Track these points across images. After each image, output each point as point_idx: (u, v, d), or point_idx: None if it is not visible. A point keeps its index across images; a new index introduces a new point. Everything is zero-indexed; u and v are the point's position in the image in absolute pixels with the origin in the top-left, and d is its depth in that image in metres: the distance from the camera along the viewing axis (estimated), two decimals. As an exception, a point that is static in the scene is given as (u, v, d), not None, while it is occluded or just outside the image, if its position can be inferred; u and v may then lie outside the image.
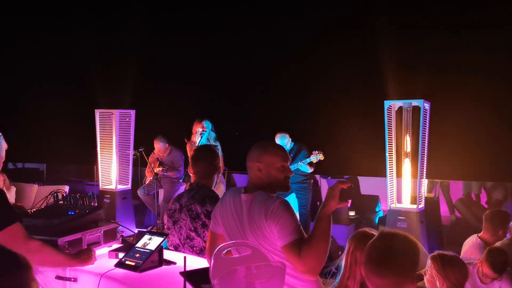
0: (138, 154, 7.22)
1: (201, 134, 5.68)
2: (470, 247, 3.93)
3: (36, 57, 8.37)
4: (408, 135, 5.54)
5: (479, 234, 4.01)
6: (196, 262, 2.54)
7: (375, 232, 2.10)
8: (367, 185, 7.80)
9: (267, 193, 2.16)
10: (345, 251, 2.41)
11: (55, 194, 2.89)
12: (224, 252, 1.94)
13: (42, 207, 2.86)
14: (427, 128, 5.47)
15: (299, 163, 6.06)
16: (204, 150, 3.29)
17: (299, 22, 7.07)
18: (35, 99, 8.36)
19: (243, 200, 2.20)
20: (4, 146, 2.34)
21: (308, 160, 5.99)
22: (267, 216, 2.05)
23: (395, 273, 1.60)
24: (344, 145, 6.52)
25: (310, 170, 6.14)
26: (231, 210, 2.24)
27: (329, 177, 7.54)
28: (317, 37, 6.86)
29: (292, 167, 6.04)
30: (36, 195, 7.29)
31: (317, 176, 7.54)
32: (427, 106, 5.47)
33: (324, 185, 7.61)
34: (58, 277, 2.45)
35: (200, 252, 2.84)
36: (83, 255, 2.45)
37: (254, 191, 2.19)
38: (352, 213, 7.20)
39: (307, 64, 7.00)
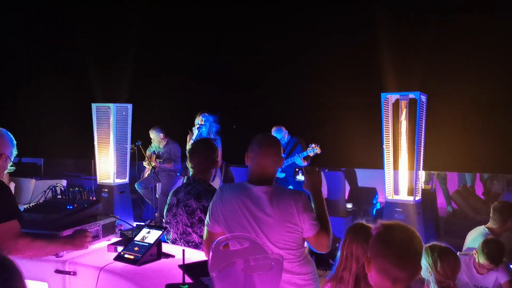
0: (136, 148, 7.23)
1: (199, 127, 5.67)
2: (477, 238, 3.95)
3: (33, 52, 8.36)
4: (404, 127, 5.55)
5: (487, 225, 4.03)
6: (195, 255, 2.55)
7: (372, 225, 2.13)
8: (364, 177, 7.84)
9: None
10: (341, 243, 2.43)
11: (53, 188, 2.90)
12: (222, 245, 1.95)
13: (41, 201, 2.86)
14: (423, 120, 5.49)
15: (295, 156, 6.06)
16: (201, 144, 3.29)
17: (296, 15, 7.06)
18: (33, 93, 8.35)
19: (261, 192, 2.25)
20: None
21: (305, 153, 5.99)
22: (299, 210, 2.23)
23: (415, 264, 1.60)
24: (341, 137, 6.54)
25: (304, 163, 6.13)
26: (239, 205, 2.26)
27: (326, 170, 7.56)
28: (314, 29, 6.86)
29: (288, 161, 6.05)
30: (34, 189, 7.30)
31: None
32: (423, 98, 5.48)
33: (322, 177, 7.62)
34: (58, 271, 2.46)
35: (195, 247, 2.85)
36: (78, 237, 2.47)
37: (266, 184, 2.28)
38: (349, 205, 7.24)
39: (304, 57, 7.00)
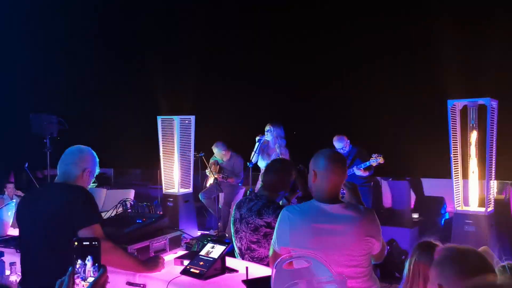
0: (199, 158, 7.42)
1: (259, 139, 5.72)
2: None
3: (104, 70, 8.86)
4: (474, 135, 5.30)
5: None
6: (258, 270, 2.59)
7: (439, 243, 2.07)
8: (431, 186, 7.54)
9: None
10: (408, 260, 2.37)
11: (123, 203, 3.05)
12: (285, 263, 1.97)
13: (112, 215, 3.02)
14: (494, 127, 5.21)
15: (355, 167, 5.96)
16: (278, 164, 3.22)
17: (359, 23, 6.98)
18: (104, 109, 8.85)
19: (335, 211, 2.26)
20: None
21: (367, 163, 5.87)
22: (372, 227, 2.28)
23: None
24: (405, 146, 6.36)
25: (365, 174, 6.00)
26: (309, 226, 2.25)
27: (391, 179, 7.36)
28: (378, 35, 6.74)
29: (348, 172, 5.95)
30: (105, 198, 7.70)
31: (378, 178, 7.39)
32: (494, 104, 5.21)
33: (385, 187, 7.43)
34: (129, 283, 2.59)
35: (259, 261, 2.89)
36: (152, 262, 2.58)
37: (335, 201, 2.30)
38: (415, 215, 6.99)
39: (367, 64, 6.90)
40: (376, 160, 5.81)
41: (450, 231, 5.39)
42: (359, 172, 5.96)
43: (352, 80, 7.13)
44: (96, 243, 1.42)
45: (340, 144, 6.12)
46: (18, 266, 2.61)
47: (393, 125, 6.57)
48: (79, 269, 1.40)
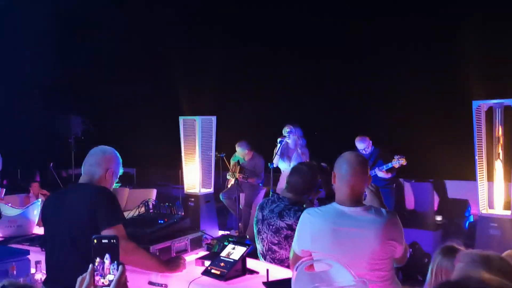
0: (220, 158, 7.45)
1: (281, 140, 5.71)
2: None
3: (128, 74, 9.00)
4: (499, 137, 5.19)
5: None
6: (279, 272, 2.59)
7: (462, 248, 2.03)
8: (455, 188, 7.41)
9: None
10: (431, 263, 2.34)
11: (145, 203, 3.09)
12: (306, 266, 1.96)
13: (135, 216, 3.06)
14: (521, 129, 5.10)
15: (377, 169, 5.90)
16: (304, 167, 3.19)
17: (383, 24, 6.92)
18: (127, 109, 8.98)
19: (356, 213, 2.24)
20: None
21: (389, 165, 5.81)
22: (395, 230, 2.25)
23: None
24: (428, 147, 6.27)
25: (387, 176, 5.93)
26: (330, 228, 2.24)
27: (414, 181, 7.26)
28: (401, 36, 6.68)
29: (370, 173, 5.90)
30: (128, 198, 7.79)
31: (401, 180, 7.30)
32: (521, 105, 5.09)
33: (408, 189, 7.34)
34: (150, 283, 2.62)
35: (280, 263, 2.89)
36: (174, 263, 2.61)
37: (357, 204, 2.28)
38: (439, 218, 6.87)
39: (390, 65, 6.82)
40: (398, 161, 5.74)
41: (474, 234, 5.29)
42: (381, 173, 5.90)
43: (376, 81, 7.07)
44: (114, 241, 1.44)
45: (362, 145, 6.07)
46: (43, 265, 2.67)
47: (417, 126, 6.48)
48: (98, 267, 1.42)
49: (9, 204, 3.95)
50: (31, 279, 2.79)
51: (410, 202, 7.30)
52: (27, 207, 3.78)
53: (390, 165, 5.83)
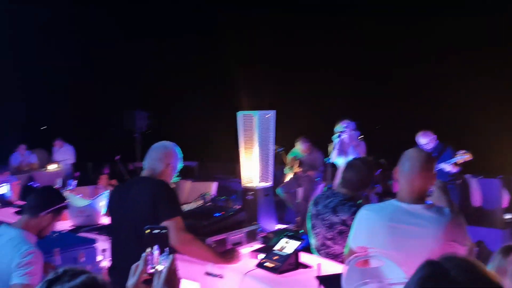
0: (279, 153, 7.50)
1: (339, 135, 5.67)
2: None
3: (189, 68, 9.28)
4: None
5: None
6: (332, 267, 2.59)
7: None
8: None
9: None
10: (490, 263, 2.24)
11: (204, 196, 3.20)
12: (358, 261, 1.96)
13: (193, 208, 3.17)
14: None
15: (441, 163, 5.69)
16: (360, 162, 3.17)
17: (444, 20, 6.67)
18: (189, 106, 9.27)
19: (417, 211, 2.19)
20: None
21: (453, 160, 5.59)
22: (456, 230, 2.17)
23: None
24: (497, 142, 5.97)
25: (453, 170, 5.71)
26: (388, 226, 2.21)
27: (482, 177, 6.93)
28: (463, 34, 6.41)
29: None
30: (190, 190, 8.04)
31: (467, 176, 7.00)
32: None
33: (474, 185, 7.01)
34: (207, 273, 2.71)
35: (334, 258, 2.88)
36: (229, 255, 2.69)
37: (419, 201, 2.22)
38: (508, 216, 6.53)
39: (455, 60, 6.57)
40: (462, 156, 5.52)
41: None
42: (449, 167, 5.69)
43: (442, 74, 6.83)
44: (165, 231, 1.52)
45: (424, 140, 5.88)
46: (109, 253, 2.84)
47: (486, 121, 6.19)
48: (150, 256, 1.51)
49: (80, 195, 4.22)
50: (96, 267, 2.98)
51: (476, 199, 6.97)
52: (95, 198, 4.03)
53: (453, 160, 5.62)
